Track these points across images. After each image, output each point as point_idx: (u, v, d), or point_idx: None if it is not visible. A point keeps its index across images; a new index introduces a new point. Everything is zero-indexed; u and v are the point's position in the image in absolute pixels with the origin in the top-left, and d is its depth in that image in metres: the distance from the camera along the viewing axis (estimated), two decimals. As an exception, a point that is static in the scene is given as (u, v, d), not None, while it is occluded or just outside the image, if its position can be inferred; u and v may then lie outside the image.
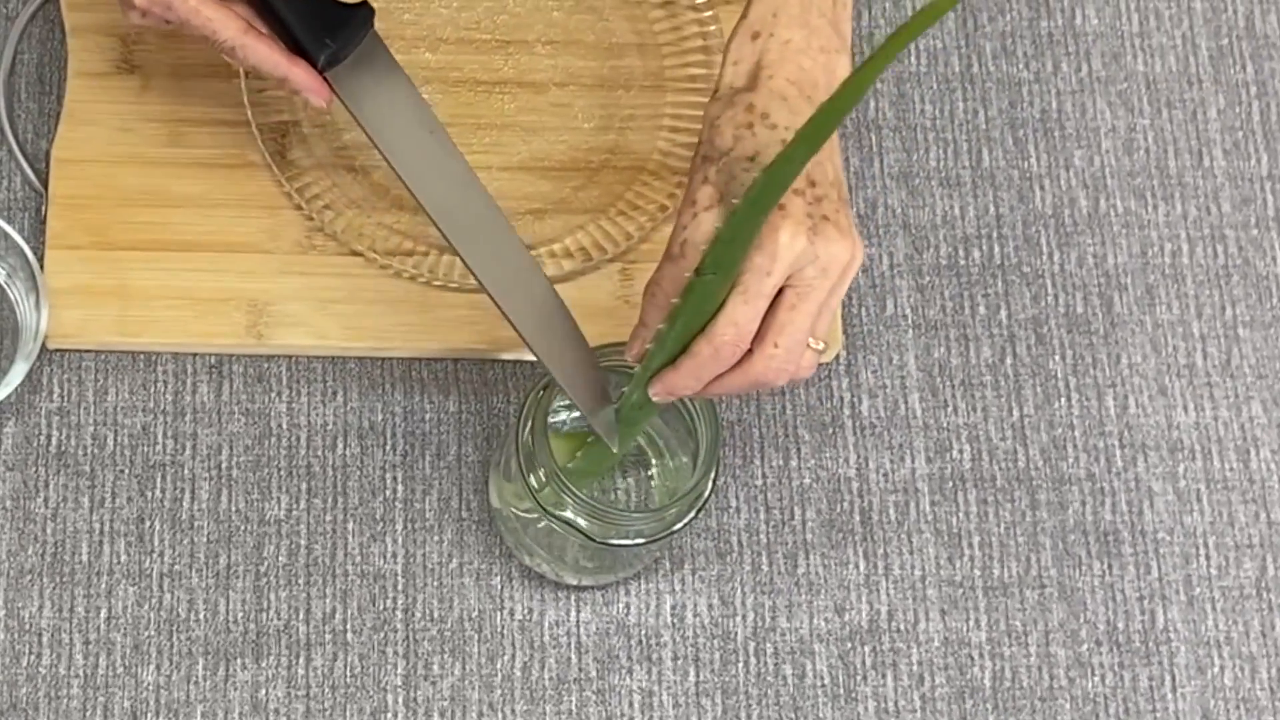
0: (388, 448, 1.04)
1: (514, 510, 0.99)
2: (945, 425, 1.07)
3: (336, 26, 0.94)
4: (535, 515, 0.96)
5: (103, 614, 1.00)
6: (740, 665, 1.02)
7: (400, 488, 1.03)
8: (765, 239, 0.85)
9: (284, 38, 0.95)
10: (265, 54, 0.94)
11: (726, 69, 0.91)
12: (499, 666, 1.01)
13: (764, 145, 0.88)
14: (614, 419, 0.94)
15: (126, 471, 1.03)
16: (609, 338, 0.96)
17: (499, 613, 1.02)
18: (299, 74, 0.94)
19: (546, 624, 1.02)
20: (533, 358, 1.05)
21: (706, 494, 0.94)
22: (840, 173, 0.90)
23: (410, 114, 0.96)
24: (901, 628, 1.03)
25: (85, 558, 1.01)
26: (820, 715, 1.01)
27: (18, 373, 1.00)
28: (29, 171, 1.07)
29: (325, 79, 0.95)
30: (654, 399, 0.91)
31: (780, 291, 0.87)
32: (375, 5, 0.97)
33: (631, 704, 1.01)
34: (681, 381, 0.89)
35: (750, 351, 0.88)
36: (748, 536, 1.04)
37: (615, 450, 0.95)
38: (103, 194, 1.06)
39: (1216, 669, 1.04)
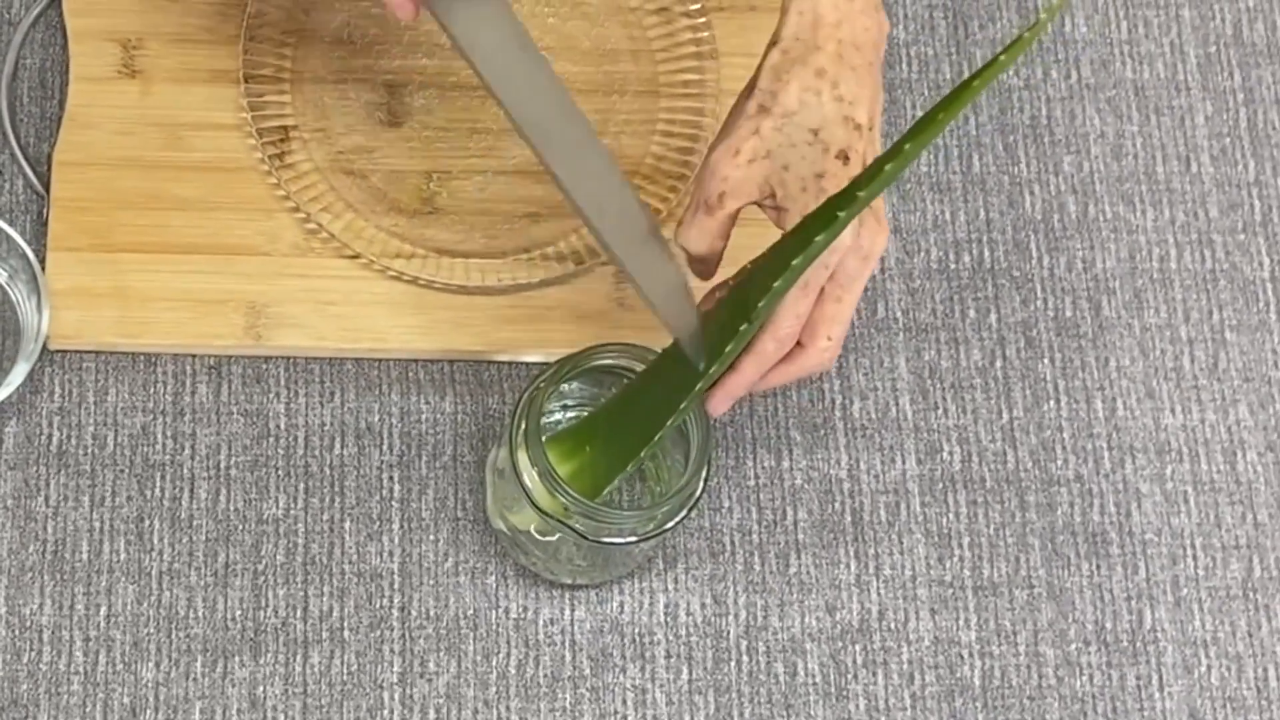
0: (385, 448, 1.05)
1: (508, 512, 1.01)
2: (935, 427, 1.08)
3: None
4: (530, 514, 0.97)
5: (102, 611, 1.01)
6: (732, 663, 1.03)
7: (397, 487, 1.05)
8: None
9: None
10: None
11: (791, 16, 0.91)
12: (494, 664, 1.02)
13: (829, 119, 0.89)
14: (700, 337, 0.92)
15: (126, 471, 1.04)
16: (603, 339, 0.97)
17: (494, 611, 1.03)
18: None
19: (541, 622, 1.03)
20: (528, 359, 1.07)
21: (698, 493, 0.95)
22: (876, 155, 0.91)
23: (503, 30, 0.92)
24: (892, 627, 1.04)
25: (85, 556, 1.02)
26: (811, 713, 1.03)
27: (19, 373, 1.01)
28: (31, 174, 1.08)
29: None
30: (716, 413, 0.93)
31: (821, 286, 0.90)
32: (373, 10, 0.98)
33: (625, 702, 1.02)
34: (744, 380, 0.92)
35: (799, 345, 0.91)
36: (740, 536, 1.05)
37: (701, 369, 0.92)
38: (103, 197, 1.07)
39: (1203, 668, 1.05)
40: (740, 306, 0.89)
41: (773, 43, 0.91)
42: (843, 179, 0.89)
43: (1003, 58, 0.79)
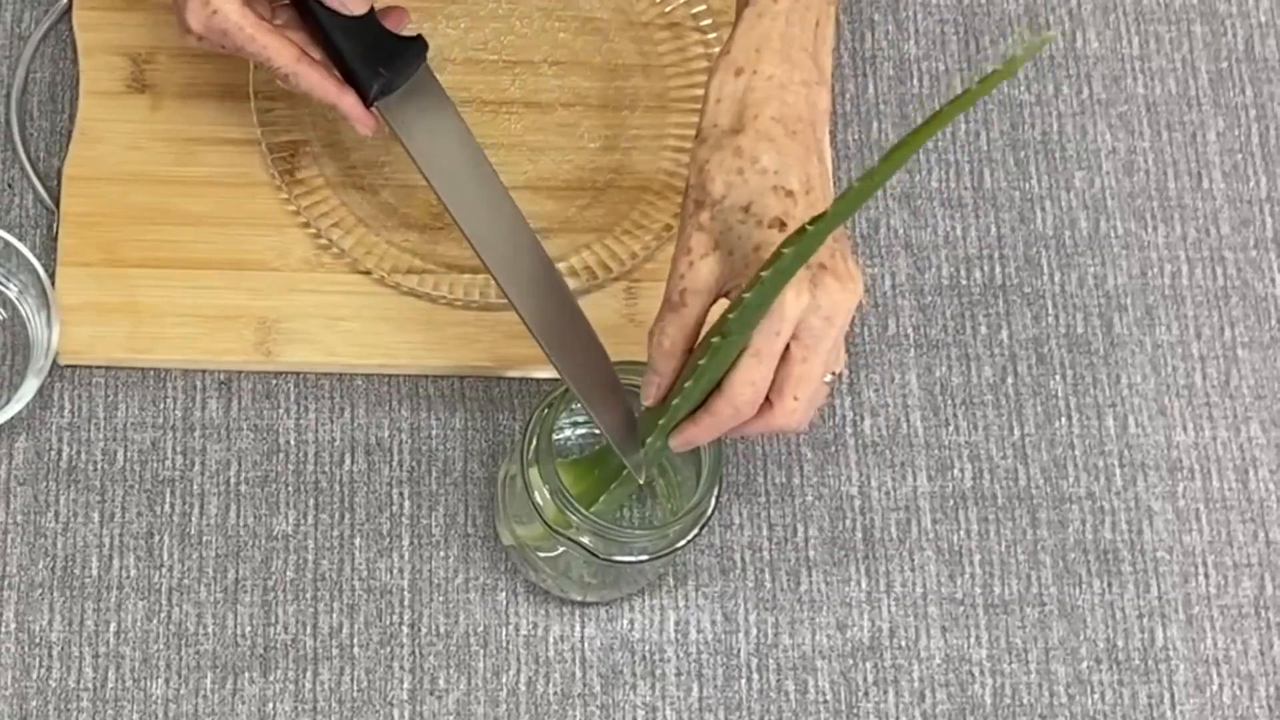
0: (394, 464, 1.05)
1: (519, 528, 1.00)
2: (947, 444, 1.08)
3: (390, 57, 0.98)
4: (540, 531, 0.97)
5: (112, 628, 1.01)
6: (743, 681, 1.03)
7: (407, 504, 1.04)
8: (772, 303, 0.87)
9: (338, 65, 0.98)
10: (317, 81, 0.98)
11: (709, 107, 0.92)
12: (504, 681, 1.02)
13: (756, 193, 0.89)
14: (642, 459, 0.95)
15: (136, 486, 1.04)
16: (613, 355, 0.97)
17: (504, 628, 1.03)
18: (348, 102, 0.98)
19: (551, 639, 1.03)
20: (538, 375, 1.06)
21: (710, 511, 0.95)
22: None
23: (457, 147, 0.99)
24: (903, 644, 1.04)
25: (95, 572, 1.02)
26: (822, 731, 1.02)
27: (29, 388, 1.01)
28: (41, 189, 1.08)
29: (376, 108, 0.98)
30: (675, 450, 0.93)
31: (788, 345, 0.88)
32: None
33: (635, 719, 1.02)
34: (703, 435, 0.92)
35: (769, 402, 0.90)
36: (750, 553, 1.05)
37: (639, 481, 0.96)
38: (113, 212, 1.07)
39: (1215, 687, 1.05)
40: (690, 368, 0.90)
41: (696, 137, 0.92)
42: (765, 256, 0.88)
43: (946, 109, 0.79)
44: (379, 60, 0.97)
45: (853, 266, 0.89)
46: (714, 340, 0.88)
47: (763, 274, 0.85)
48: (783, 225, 0.88)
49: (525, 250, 0.98)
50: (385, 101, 0.98)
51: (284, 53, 0.97)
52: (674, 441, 0.92)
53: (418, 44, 0.99)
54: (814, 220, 0.83)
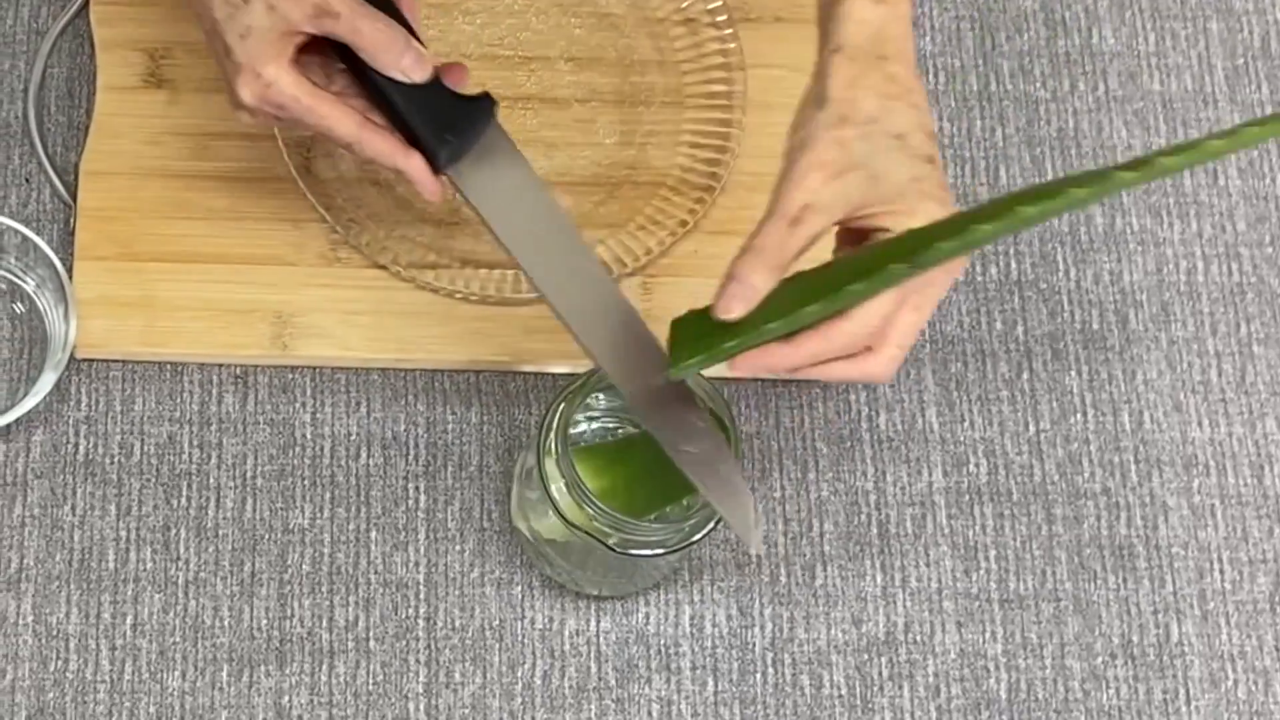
0: (410, 458, 1.05)
1: (535, 521, 1.00)
2: (962, 439, 1.08)
3: (457, 121, 0.93)
4: (557, 525, 0.97)
5: (129, 620, 1.01)
6: (758, 675, 1.03)
7: (423, 498, 1.05)
8: None
9: (402, 130, 0.93)
10: (380, 146, 0.93)
11: (849, 25, 0.89)
12: (519, 675, 1.02)
13: (911, 126, 0.87)
14: (750, 519, 0.91)
15: (153, 480, 1.04)
16: (630, 351, 0.97)
17: (519, 622, 1.03)
18: (415, 166, 0.94)
19: (567, 633, 1.03)
20: (554, 370, 1.07)
21: (726, 505, 0.95)
22: None
23: (530, 207, 0.94)
24: (918, 639, 1.04)
25: (112, 565, 1.02)
26: (837, 725, 1.03)
27: (46, 382, 1.02)
28: (58, 184, 1.08)
29: (445, 172, 0.94)
30: (738, 373, 0.89)
31: None
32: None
33: (650, 713, 1.02)
34: (797, 359, 0.87)
35: (867, 349, 0.88)
36: (766, 548, 1.05)
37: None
38: (130, 206, 1.07)
39: (1230, 683, 1.05)
40: (812, 288, 0.86)
41: (833, 49, 0.89)
42: (938, 181, 0.87)
43: (1170, 160, 0.78)
44: (445, 126, 0.93)
45: None
46: (889, 267, 0.84)
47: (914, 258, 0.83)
48: (932, 161, 0.87)
49: (606, 303, 0.94)
50: (455, 168, 0.94)
51: (346, 121, 0.92)
52: (752, 362, 0.87)
53: (484, 103, 0.94)
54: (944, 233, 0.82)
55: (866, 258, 0.86)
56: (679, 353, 0.90)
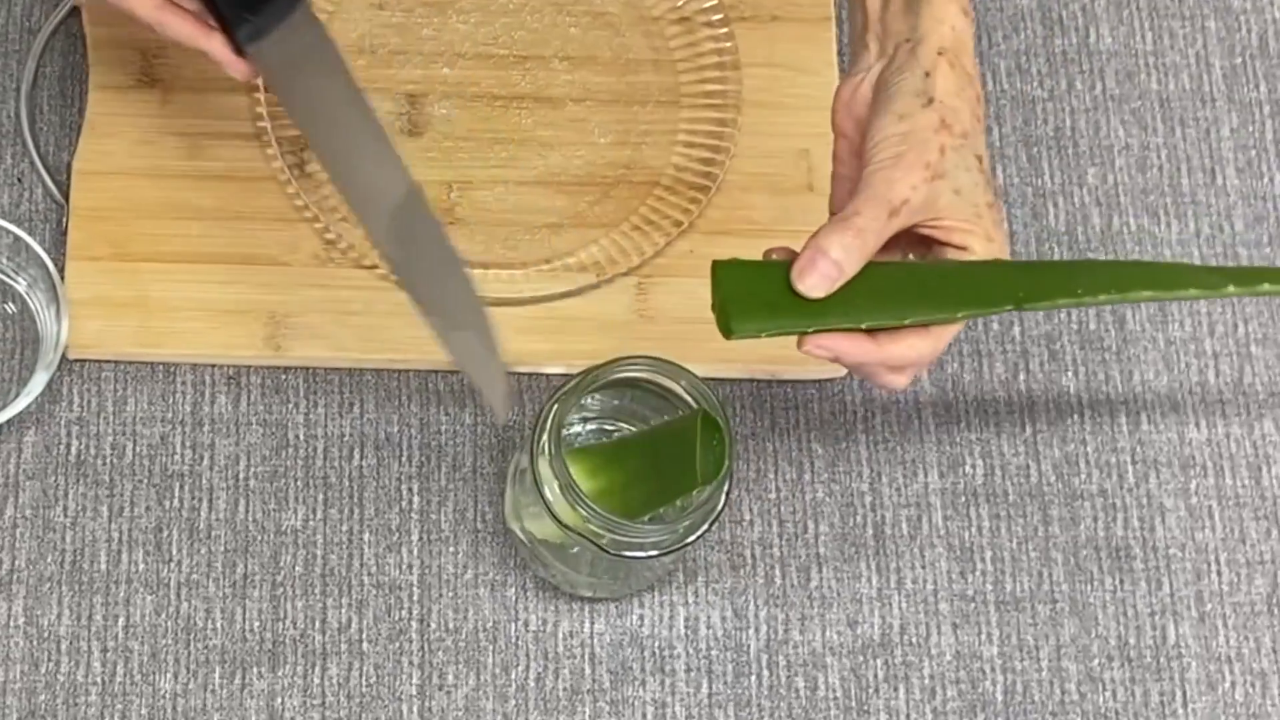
0: (404, 459, 1.05)
1: (528, 522, 1.00)
2: (958, 440, 1.07)
3: (259, 1, 0.93)
4: (550, 526, 0.96)
5: (121, 622, 1.01)
6: (753, 677, 1.02)
7: (416, 499, 1.04)
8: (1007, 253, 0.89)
9: (211, 8, 0.93)
10: (180, 28, 0.94)
11: (943, 28, 0.88)
12: (513, 677, 1.02)
13: (984, 154, 0.88)
14: (506, 391, 0.94)
15: (145, 481, 1.03)
16: (624, 351, 0.96)
17: (513, 624, 1.02)
18: (215, 47, 0.94)
19: (560, 635, 1.02)
20: (548, 370, 1.06)
21: (720, 507, 0.95)
22: None
23: (335, 95, 0.94)
24: (913, 641, 1.04)
25: (104, 566, 1.02)
26: (832, 728, 1.02)
27: (38, 382, 1.01)
28: (50, 183, 1.08)
29: (246, 52, 0.94)
30: (811, 352, 0.88)
31: None
32: (394, 20, 0.97)
33: (645, 715, 1.01)
34: (877, 358, 0.88)
35: None
36: (761, 549, 1.05)
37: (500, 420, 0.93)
38: (123, 206, 1.07)
39: (1228, 685, 1.04)
40: (905, 291, 0.87)
41: (938, 50, 0.88)
42: (997, 220, 0.88)
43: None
44: (245, 5, 0.93)
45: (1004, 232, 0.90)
46: (925, 320, 0.87)
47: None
48: (996, 193, 0.88)
49: (392, 181, 0.94)
50: (257, 46, 0.93)
51: (144, 3, 0.94)
52: (815, 346, 0.87)
53: None
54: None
55: (977, 278, 0.87)
56: (742, 311, 0.87)
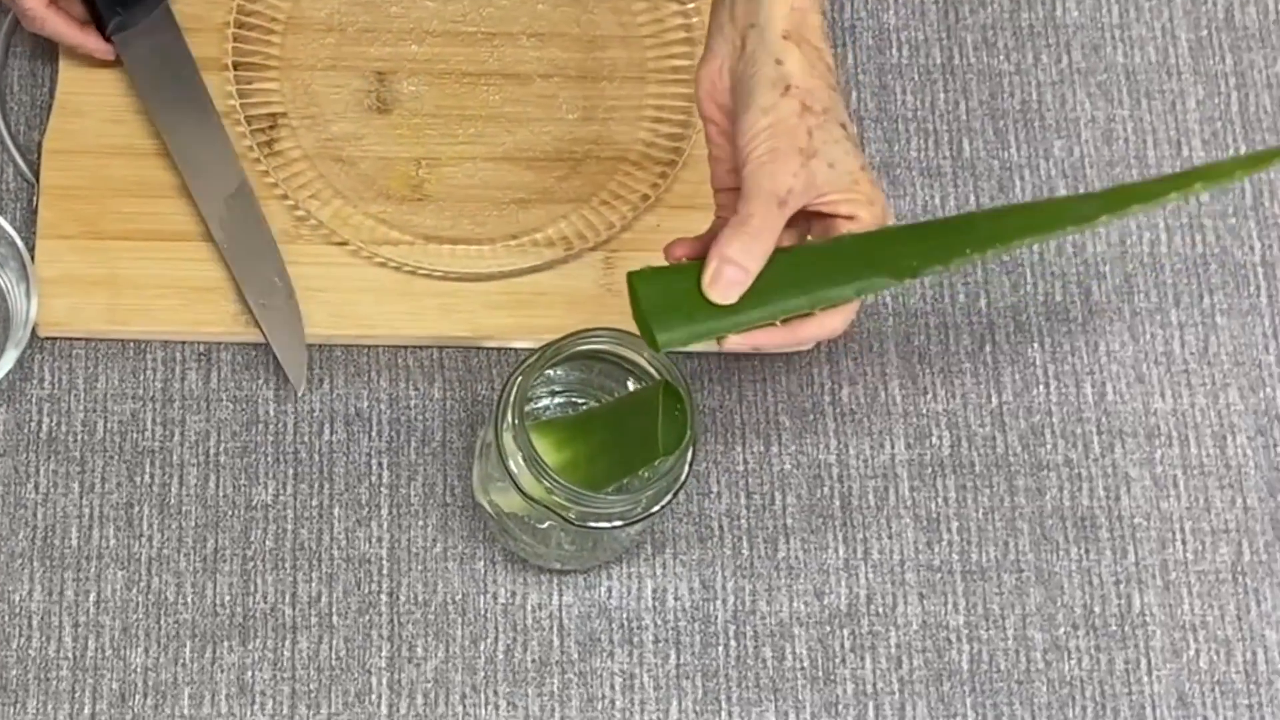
0: (373, 434, 1.05)
1: (496, 496, 1.01)
2: (925, 412, 1.08)
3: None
4: (516, 499, 0.97)
5: (92, 597, 1.02)
6: (720, 648, 1.03)
7: (386, 473, 1.05)
8: (890, 216, 0.92)
9: (87, 4, 1.07)
10: (61, 27, 1.06)
11: (781, 8, 0.90)
12: (482, 649, 1.02)
13: (847, 120, 0.91)
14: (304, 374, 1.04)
15: (116, 457, 1.04)
16: (594, 323, 0.97)
17: (482, 596, 1.03)
18: (90, 43, 1.07)
19: (529, 607, 1.03)
20: (517, 345, 1.07)
21: (683, 477, 0.96)
22: None
23: (184, 90, 1.07)
24: (880, 611, 1.04)
25: (75, 542, 1.03)
26: (799, 698, 1.03)
27: (8, 360, 1.02)
28: (20, 162, 1.08)
29: (112, 40, 1.07)
30: (727, 349, 0.92)
31: None
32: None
33: (613, 686, 1.02)
34: (795, 340, 0.93)
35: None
36: (728, 521, 1.05)
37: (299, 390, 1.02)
38: (93, 185, 1.07)
39: (1192, 652, 1.05)
40: (810, 275, 0.90)
41: (782, 34, 0.91)
42: (872, 178, 0.91)
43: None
44: (120, 1, 1.07)
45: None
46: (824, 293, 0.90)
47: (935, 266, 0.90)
48: (863, 168, 0.91)
49: (227, 173, 1.06)
50: (122, 36, 1.07)
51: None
52: (746, 342, 0.91)
53: None
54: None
55: (874, 251, 0.90)
56: (665, 325, 0.91)
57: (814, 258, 0.91)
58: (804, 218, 0.93)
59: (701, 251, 0.91)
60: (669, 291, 0.91)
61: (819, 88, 0.91)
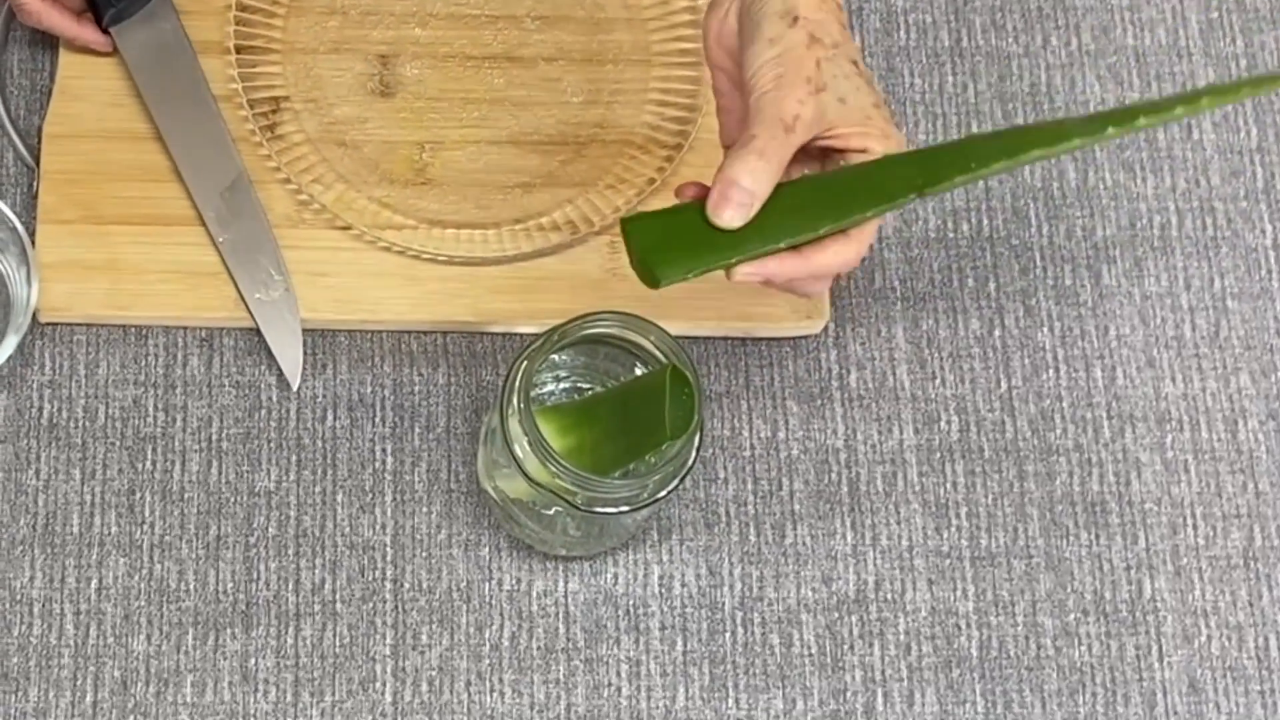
0: (377, 420, 1.05)
1: (501, 481, 1.00)
2: (933, 396, 1.07)
3: None
4: (522, 484, 0.96)
5: (93, 584, 1.01)
6: (727, 635, 1.02)
7: (389, 459, 1.04)
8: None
9: None
10: (58, 20, 1.06)
11: None
12: (487, 636, 1.01)
13: (859, 57, 0.90)
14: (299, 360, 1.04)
15: (117, 444, 1.03)
16: (600, 307, 0.96)
17: (487, 583, 1.02)
18: (86, 35, 1.07)
19: (534, 594, 1.02)
20: (522, 330, 1.06)
21: (690, 461, 0.95)
22: None
23: (178, 79, 1.06)
24: (889, 597, 1.03)
25: (76, 529, 1.02)
26: (807, 685, 1.02)
27: (9, 346, 1.01)
28: (21, 147, 1.07)
29: (108, 30, 1.06)
30: (742, 281, 0.89)
31: None
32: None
33: (619, 673, 1.01)
34: (806, 271, 0.89)
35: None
36: (735, 507, 1.04)
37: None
38: (94, 169, 1.06)
39: (1204, 638, 1.04)
40: (817, 203, 0.88)
41: None
42: (887, 116, 0.89)
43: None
44: None
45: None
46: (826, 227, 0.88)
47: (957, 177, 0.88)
48: (877, 106, 0.89)
49: (224, 165, 1.05)
50: (118, 27, 1.06)
51: None
52: (749, 272, 0.88)
53: None
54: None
55: (877, 175, 0.89)
56: (663, 258, 0.88)
57: (816, 185, 0.90)
58: (817, 157, 0.91)
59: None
60: (664, 229, 0.89)
61: (828, 21, 0.90)
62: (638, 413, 0.96)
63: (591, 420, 0.97)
